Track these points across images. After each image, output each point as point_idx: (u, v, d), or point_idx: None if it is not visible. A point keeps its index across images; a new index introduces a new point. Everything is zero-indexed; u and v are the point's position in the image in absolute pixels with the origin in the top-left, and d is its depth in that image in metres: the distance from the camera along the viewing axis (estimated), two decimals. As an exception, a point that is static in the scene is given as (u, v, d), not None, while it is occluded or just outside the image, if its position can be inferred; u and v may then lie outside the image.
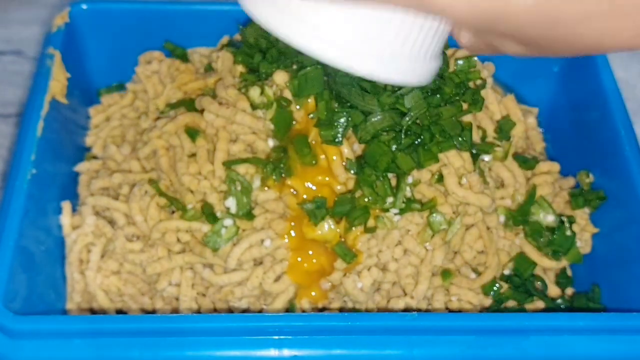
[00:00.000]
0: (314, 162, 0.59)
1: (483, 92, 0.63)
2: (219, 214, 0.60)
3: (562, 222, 0.63)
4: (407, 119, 0.57)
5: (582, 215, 0.65)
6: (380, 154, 0.58)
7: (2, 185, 0.74)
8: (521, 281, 0.62)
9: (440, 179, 0.60)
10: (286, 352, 0.51)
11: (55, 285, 0.62)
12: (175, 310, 0.61)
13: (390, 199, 0.58)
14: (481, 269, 0.61)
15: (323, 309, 0.60)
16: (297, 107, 0.60)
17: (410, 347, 0.51)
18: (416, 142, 0.58)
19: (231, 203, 0.60)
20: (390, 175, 0.59)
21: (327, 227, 0.59)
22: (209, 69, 0.69)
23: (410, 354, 0.51)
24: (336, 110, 0.59)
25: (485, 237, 0.61)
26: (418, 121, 0.58)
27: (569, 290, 0.65)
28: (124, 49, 0.72)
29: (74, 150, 0.69)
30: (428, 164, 0.59)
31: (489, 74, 0.65)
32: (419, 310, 0.59)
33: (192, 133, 0.62)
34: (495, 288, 0.61)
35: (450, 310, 0.60)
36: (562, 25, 0.35)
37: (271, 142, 0.61)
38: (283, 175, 0.60)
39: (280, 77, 0.61)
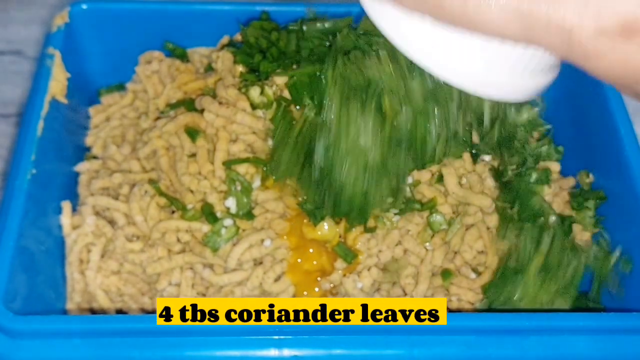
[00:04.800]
0: (314, 162, 0.59)
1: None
2: (219, 214, 0.60)
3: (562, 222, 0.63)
4: None
5: (582, 215, 0.65)
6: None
7: (2, 185, 0.74)
8: (521, 281, 0.62)
9: (440, 179, 0.60)
10: (286, 352, 0.51)
11: (55, 285, 0.62)
12: (175, 310, 0.61)
13: (389, 199, 0.58)
14: (481, 269, 0.61)
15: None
16: (297, 107, 0.60)
17: (410, 347, 0.51)
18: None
19: (231, 203, 0.60)
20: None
21: (327, 227, 0.59)
22: (209, 69, 0.69)
23: (410, 354, 0.51)
24: None
25: (485, 237, 0.61)
26: None
27: (569, 290, 0.65)
28: (124, 49, 0.72)
29: (74, 150, 0.69)
30: (428, 164, 0.59)
31: None
32: (419, 310, 0.59)
33: (192, 133, 0.62)
34: (495, 288, 0.61)
35: (450, 310, 0.60)
36: None
37: (271, 142, 0.61)
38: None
39: (280, 77, 0.61)
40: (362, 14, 0.69)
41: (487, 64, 0.39)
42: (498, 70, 0.39)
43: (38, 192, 0.59)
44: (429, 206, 0.59)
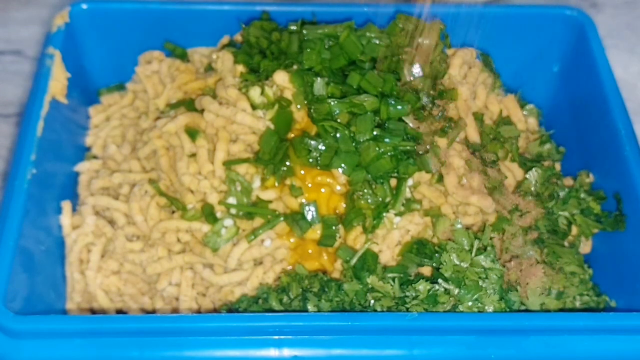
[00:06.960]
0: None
1: (481, 91, 0.63)
2: (219, 214, 0.60)
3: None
4: None
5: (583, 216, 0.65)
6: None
7: (2, 185, 0.74)
8: (521, 281, 0.62)
9: (440, 179, 0.60)
10: (286, 352, 0.51)
11: (55, 285, 0.62)
12: (175, 310, 0.61)
13: (388, 199, 0.58)
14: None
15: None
16: (298, 106, 0.60)
17: (410, 347, 0.51)
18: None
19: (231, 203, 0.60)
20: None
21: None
22: (209, 69, 0.69)
23: (410, 354, 0.51)
24: None
25: (485, 237, 0.61)
26: None
27: (569, 290, 0.65)
28: (124, 49, 0.72)
29: (74, 150, 0.69)
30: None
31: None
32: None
33: (192, 133, 0.62)
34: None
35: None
36: None
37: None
38: (283, 175, 0.60)
39: (281, 77, 0.61)
40: (360, 16, 0.69)
41: None
42: None
43: (38, 192, 0.59)
44: (432, 214, 0.59)
